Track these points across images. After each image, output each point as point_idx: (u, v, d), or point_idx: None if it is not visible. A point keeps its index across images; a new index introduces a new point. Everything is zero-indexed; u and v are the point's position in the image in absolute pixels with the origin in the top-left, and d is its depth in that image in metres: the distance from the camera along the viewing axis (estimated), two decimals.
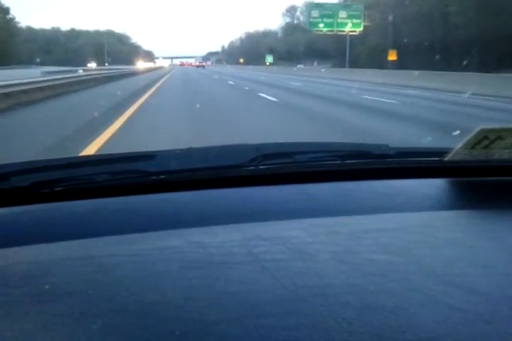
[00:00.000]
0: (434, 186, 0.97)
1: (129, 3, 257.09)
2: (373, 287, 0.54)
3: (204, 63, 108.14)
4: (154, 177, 0.90)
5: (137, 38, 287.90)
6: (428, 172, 1.02)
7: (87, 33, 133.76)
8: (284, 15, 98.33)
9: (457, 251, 0.66)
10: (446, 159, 0.96)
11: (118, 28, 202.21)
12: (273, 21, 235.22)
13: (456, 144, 0.91)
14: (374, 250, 0.65)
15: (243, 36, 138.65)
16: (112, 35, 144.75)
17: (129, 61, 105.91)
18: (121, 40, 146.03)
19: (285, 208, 0.83)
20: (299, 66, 64.00)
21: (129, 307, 0.51)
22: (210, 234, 0.71)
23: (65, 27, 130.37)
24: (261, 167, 0.97)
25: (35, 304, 0.52)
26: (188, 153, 1.03)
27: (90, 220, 0.78)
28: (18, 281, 0.58)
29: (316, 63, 62.28)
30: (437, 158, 1.00)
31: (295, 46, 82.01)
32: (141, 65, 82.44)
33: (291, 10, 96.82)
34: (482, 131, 0.86)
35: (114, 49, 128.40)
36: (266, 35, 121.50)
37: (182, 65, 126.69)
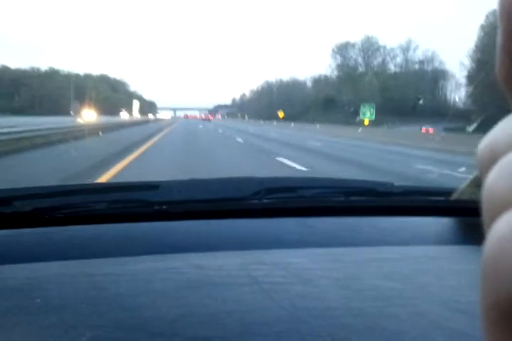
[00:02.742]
0: (440, 224, 0.96)
1: (131, 50, 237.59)
2: (375, 311, 0.54)
3: (210, 116, 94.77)
4: (156, 207, 0.90)
5: (137, 86, 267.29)
6: (433, 211, 1.02)
7: (71, 76, 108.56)
8: (335, 53, 71.20)
9: (462, 280, 0.65)
10: (452, 198, 0.98)
11: (116, 74, 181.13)
12: (297, 71, 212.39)
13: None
14: (376, 277, 0.64)
15: (260, 88, 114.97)
16: (103, 81, 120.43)
17: (115, 110, 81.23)
18: (115, 86, 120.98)
19: (287, 239, 0.83)
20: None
21: (121, 321, 0.51)
22: (210, 258, 0.70)
23: (50, 68, 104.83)
24: (264, 200, 0.96)
25: (26, 315, 0.53)
26: (192, 184, 1.02)
27: (89, 243, 0.79)
28: (10, 294, 0.59)
29: (471, 127, 32.42)
30: (443, 198, 1.02)
31: (366, 95, 54.43)
32: (87, 116, 35.06)
33: (344, 48, 70.56)
34: None
35: (102, 96, 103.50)
36: (294, 84, 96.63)
37: (186, 117, 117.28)
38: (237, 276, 0.63)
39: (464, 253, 0.79)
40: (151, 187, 0.96)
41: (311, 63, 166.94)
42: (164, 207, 0.90)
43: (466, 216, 0.94)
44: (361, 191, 1.06)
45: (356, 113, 42.28)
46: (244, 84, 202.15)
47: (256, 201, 0.95)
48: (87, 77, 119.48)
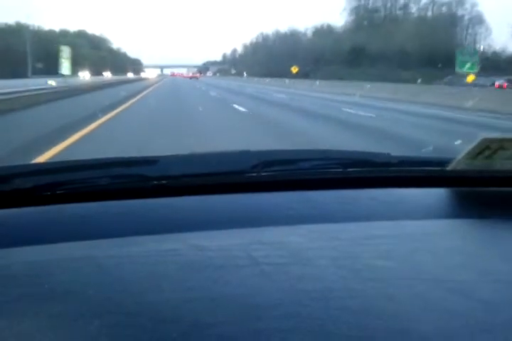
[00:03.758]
0: (436, 195, 0.97)
1: (112, 3, 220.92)
2: (373, 292, 0.55)
3: (198, 74, 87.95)
4: (155, 182, 0.91)
5: (121, 43, 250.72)
6: (430, 181, 1.03)
7: (41, 32, 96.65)
8: None
9: (458, 259, 0.66)
10: (448, 169, 0.96)
11: (96, 31, 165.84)
12: (294, 21, 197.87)
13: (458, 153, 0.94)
14: (374, 256, 0.65)
15: (253, 40, 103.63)
16: (81, 37, 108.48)
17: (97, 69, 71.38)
18: (94, 43, 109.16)
19: (286, 214, 0.83)
20: None
21: (127, 307, 0.52)
22: (209, 238, 0.72)
23: (17, 23, 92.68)
24: (262, 174, 0.98)
25: (33, 303, 0.52)
26: (190, 158, 1.04)
27: (91, 223, 0.79)
28: (16, 281, 0.58)
29: None
30: (439, 168, 1.01)
31: (396, 44, 44.47)
32: None
33: None
34: (484, 140, 0.87)
35: (79, 53, 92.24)
36: (293, 35, 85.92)
37: (173, 75, 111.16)
38: (238, 257, 0.63)
39: (459, 228, 0.80)
40: (150, 162, 0.97)
41: (311, 12, 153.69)
42: (163, 181, 0.90)
43: (462, 186, 0.98)
44: (358, 162, 1.08)
45: (400, 66, 32.09)
46: (234, 40, 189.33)
47: (254, 174, 0.97)
48: (63, 33, 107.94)
